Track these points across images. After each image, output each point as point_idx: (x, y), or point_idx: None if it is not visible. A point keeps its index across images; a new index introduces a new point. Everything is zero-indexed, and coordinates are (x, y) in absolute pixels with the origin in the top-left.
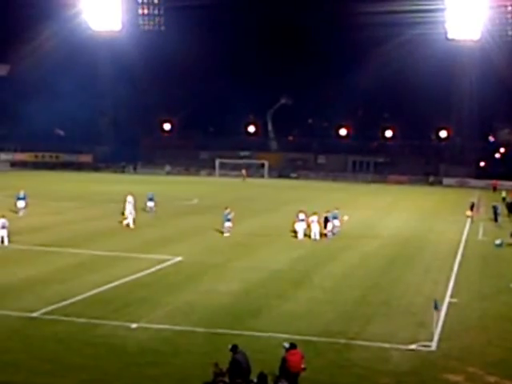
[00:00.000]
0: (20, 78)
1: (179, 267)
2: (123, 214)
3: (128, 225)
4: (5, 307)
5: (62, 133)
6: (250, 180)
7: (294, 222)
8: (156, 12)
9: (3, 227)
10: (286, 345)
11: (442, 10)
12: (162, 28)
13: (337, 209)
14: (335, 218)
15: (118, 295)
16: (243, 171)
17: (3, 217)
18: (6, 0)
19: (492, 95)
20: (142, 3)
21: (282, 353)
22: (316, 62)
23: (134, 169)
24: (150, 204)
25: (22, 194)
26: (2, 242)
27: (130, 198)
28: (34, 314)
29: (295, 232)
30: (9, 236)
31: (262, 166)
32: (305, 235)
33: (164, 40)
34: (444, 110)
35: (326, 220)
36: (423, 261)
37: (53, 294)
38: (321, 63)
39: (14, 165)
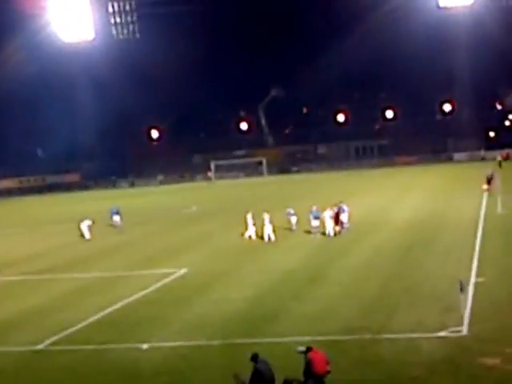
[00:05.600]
0: None
1: (186, 279)
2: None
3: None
4: (8, 343)
5: (40, 153)
6: (221, 182)
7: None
8: (129, 19)
9: None
10: (301, 348)
11: None
12: (137, 35)
13: (341, 202)
14: (343, 212)
15: (124, 316)
16: (209, 173)
17: None
18: None
19: (492, 62)
20: (114, 12)
21: (302, 357)
22: (302, 47)
23: (132, 184)
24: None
25: (115, 209)
26: None
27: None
28: (39, 347)
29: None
30: None
31: (260, 163)
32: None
33: (140, 47)
34: (444, 82)
35: (337, 215)
36: (442, 242)
37: (55, 323)
38: (307, 47)
39: None
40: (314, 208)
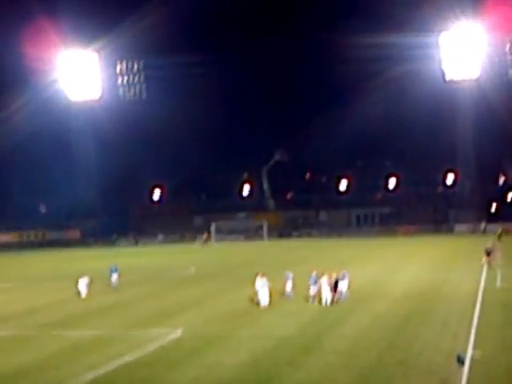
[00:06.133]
0: None
1: (180, 341)
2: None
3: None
4: None
5: (44, 209)
6: (220, 244)
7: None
8: (136, 80)
9: None
10: None
11: (438, 45)
12: (143, 96)
13: (342, 269)
14: (343, 279)
15: (118, 377)
16: (204, 235)
17: None
18: None
19: (496, 135)
20: (121, 73)
21: None
22: (307, 112)
23: (136, 242)
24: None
25: (114, 268)
26: None
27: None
28: None
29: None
30: None
31: (261, 227)
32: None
33: (146, 107)
34: (448, 153)
35: (336, 282)
36: (440, 315)
37: (50, 382)
38: (312, 112)
39: None
40: (314, 273)
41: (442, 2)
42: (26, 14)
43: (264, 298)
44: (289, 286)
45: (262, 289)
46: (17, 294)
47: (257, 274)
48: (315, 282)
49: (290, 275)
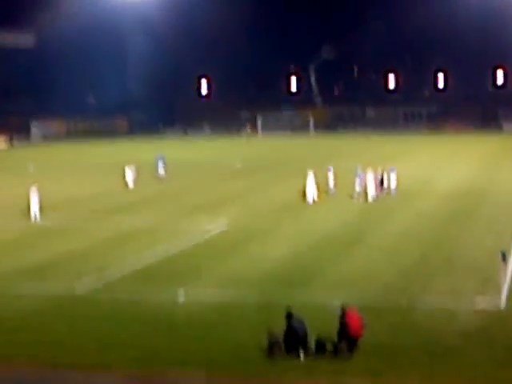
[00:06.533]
0: (47, 47)
1: (225, 234)
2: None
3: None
4: (45, 285)
5: (93, 99)
6: (252, 139)
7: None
8: None
9: (34, 202)
10: (339, 311)
11: None
12: None
13: (389, 165)
14: (392, 173)
15: (163, 268)
16: (247, 128)
17: (35, 191)
18: None
19: None
20: None
21: (338, 315)
22: (356, 8)
23: (185, 132)
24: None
25: (160, 158)
26: (35, 218)
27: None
28: (78, 292)
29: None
30: (41, 210)
31: (307, 121)
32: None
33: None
34: (500, 51)
35: (382, 179)
36: (485, 213)
37: (95, 269)
38: (361, 8)
39: (47, 137)
40: (359, 168)
41: None
42: None
43: (310, 194)
44: (331, 181)
45: (310, 184)
46: (65, 184)
47: (308, 170)
48: (360, 177)
49: (331, 169)
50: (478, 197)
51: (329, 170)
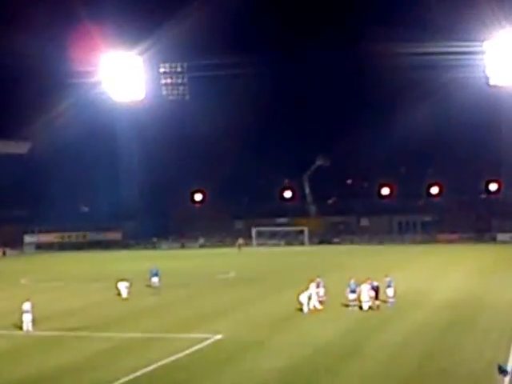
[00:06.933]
0: (41, 155)
1: (219, 345)
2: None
3: None
4: None
5: (86, 209)
6: (247, 250)
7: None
8: (179, 81)
9: (27, 312)
10: None
11: (482, 52)
12: (187, 97)
13: (386, 276)
14: (389, 286)
15: (155, 380)
16: (239, 240)
17: (28, 301)
18: (22, 71)
19: None
20: (165, 73)
21: None
22: (350, 118)
23: (182, 246)
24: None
25: (154, 270)
26: (27, 328)
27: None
28: None
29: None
30: (33, 321)
31: (301, 232)
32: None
33: (189, 108)
34: (493, 161)
35: (377, 290)
36: (481, 324)
37: (88, 383)
38: (355, 118)
39: (40, 247)
40: (352, 281)
41: (486, 10)
42: (71, 17)
43: (306, 304)
44: (321, 292)
45: (305, 295)
46: (58, 294)
47: (311, 280)
48: (354, 290)
49: (322, 282)
50: (474, 307)
51: (320, 282)
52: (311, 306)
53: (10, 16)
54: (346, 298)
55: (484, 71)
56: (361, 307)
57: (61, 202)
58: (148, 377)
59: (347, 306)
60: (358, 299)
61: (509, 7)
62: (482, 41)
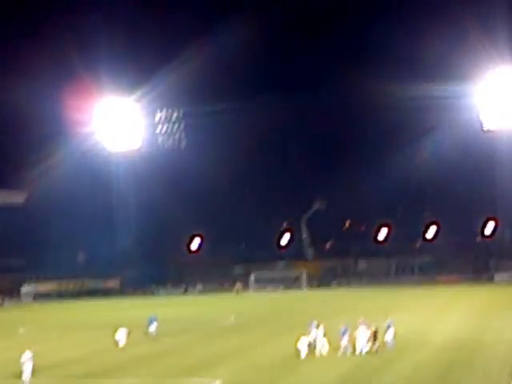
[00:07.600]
0: (38, 204)
1: None
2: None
3: None
4: None
5: (83, 257)
6: (244, 294)
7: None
8: (175, 129)
9: (27, 362)
10: None
11: (476, 93)
12: (182, 144)
13: (386, 317)
14: (389, 327)
15: None
16: (237, 285)
17: (28, 350)
18: (17, 121)
19: None
20: (161, 120)
21: None
22: (347, 162)
23: (185, 290)
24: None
25: (153, 318)
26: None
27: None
28: None
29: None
30: (33, 371)
31: (299, 277)
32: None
33: (185, 156)
34: (488, 201)
35: (375, 332)
36: (481, 365)
37: None
38: (352, 162)
39: (38, 296)
40: (343, 325)
41: (478, 51)
42: (67, 66)
43: (304, 349)
44: (312, 336)
45: (306, 340)
46: (56, 344)
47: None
48: (345, 333)
49: (314, 324)
50: (473, 348)
51: (312, 327)
52: (317, 354)
53: (5, 66)
54: (340, 341)
55: (478, 115)
56: (354, 351)
57: (58, 250)
58: None
59: (342, 350)
60: (353, 344)
61: (502, 46)
62: (476, 81)
